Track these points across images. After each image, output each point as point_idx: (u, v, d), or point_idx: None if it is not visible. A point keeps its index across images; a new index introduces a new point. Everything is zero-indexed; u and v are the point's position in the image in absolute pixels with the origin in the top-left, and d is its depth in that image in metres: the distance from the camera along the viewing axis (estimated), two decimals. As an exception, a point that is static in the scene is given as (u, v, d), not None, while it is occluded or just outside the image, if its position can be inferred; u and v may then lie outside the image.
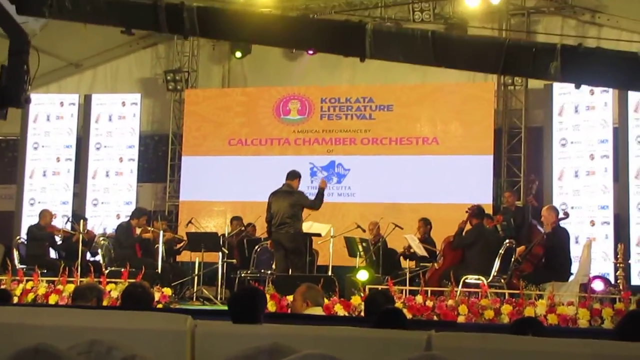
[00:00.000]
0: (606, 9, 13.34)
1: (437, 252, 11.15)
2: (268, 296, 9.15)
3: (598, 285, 9.28)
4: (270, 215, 10.89)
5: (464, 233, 10.53)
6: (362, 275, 10.19)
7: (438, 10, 14.08)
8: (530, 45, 5.73)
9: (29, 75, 5.95)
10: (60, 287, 10.18)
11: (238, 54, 14.96)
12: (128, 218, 12.55)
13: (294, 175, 11.10)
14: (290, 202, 10.78)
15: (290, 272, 10.54)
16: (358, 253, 11.48)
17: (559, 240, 10.17)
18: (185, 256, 13.13)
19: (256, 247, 12.01)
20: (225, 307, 10.48)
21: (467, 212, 10.58)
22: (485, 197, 12.97)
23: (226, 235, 12.43)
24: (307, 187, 13.16)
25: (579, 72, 5.50)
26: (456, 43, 5.77)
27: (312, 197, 11.11)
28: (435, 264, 10.75)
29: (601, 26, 13.57)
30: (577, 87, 6.17)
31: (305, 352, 2.94)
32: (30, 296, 10.17)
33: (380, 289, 9.36)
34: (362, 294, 9.04)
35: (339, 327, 4.32)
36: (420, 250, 11.16)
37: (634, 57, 5.37)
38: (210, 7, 6.50)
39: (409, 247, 11.44)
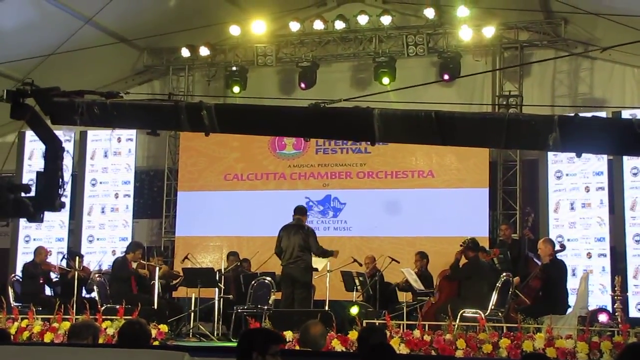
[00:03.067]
0: (599, 42, 13.41)
1: (434, 286, 11.12)
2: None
3: (603, 318, 9.26)
4: (280, 250, 11.09)
5: (460, 266, 10.52)
6: (353, 310, 10.26)
7: (432, 44, 14.14)
8: (528, 119, 5.89)
9: (64, 180, 6.27)
10: (55, 325, 10.12)
11: (236, 89, 14.94)
12: (123, 253, 12.51)
13: (302, 211, 11.50)
14: (301, 236, 11.13)
15: (294, 306, 10.64)
16: (355, 287, 11.46)
17: (556, 272, 10.17)
18: (181, 292, 13.08)
19: (252, 282, 11.95)
20: (222, 344, 10.46)
21: (461, 245, 10.58)
22: (481, 230, 12.97)
23: (222, 270, 12.39)
24: (304, 222, 13.14)
25: (578, 142, 5.66)
26: (459, 121, 5.93)
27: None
28: (432, 298, 10.72)
29: (594, 59, 13.66)
30: (579, 155, 6.32)
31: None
32: (26, 334, 10.11)
33: (377, 323, 9.34)
34: (360, 329, 9.00)
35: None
36: (417, 284, 11.14)
37: (629, 124, 5.51)
38: (227, 104, 6.84)
39: (406, 280, 11.42)
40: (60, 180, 6.27)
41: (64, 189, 6.24)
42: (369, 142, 6.22)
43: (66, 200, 14.92)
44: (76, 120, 6.60)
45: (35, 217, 6.35)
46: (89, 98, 6.64)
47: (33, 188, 6.29)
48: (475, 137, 6.11)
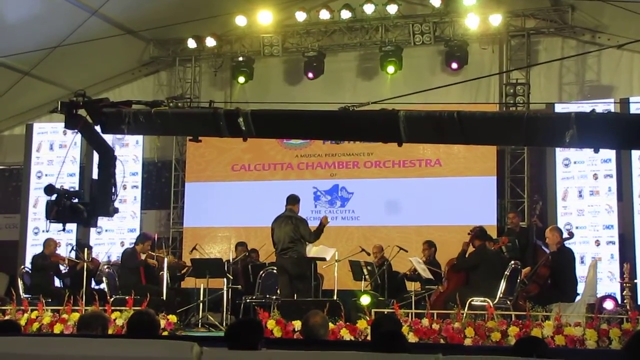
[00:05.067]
0: (606, 29, 13.37)
1: (442, 275, 11.12)
2: (274, 322, 9.15)
3: (609, 305, 9.25)
4: (274, 242, 11.01)
5: (467, 255, 10.51)
6: (364, 300, 10.19)
7: (438, 33, 14.11)
8: (546, 117, 6.02)
9: (116, 187, 6.72)
10: (65, 316, 10.15)
11: (241, 79, 15.00)
12: (132, 244, 12.55)
13: (294, 200, 11.20)
14: (291, 227, 10.88)
15: (295, 297, 10.53)
16: (363, 277, 11.45)
17: (564, 260, 10.16)
18: (190, 282, 13.10)
19: (261, 273, 11.97)
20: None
21: (469, 234, 10.58)
22: (489, 219, 12.95)
23: (231, 260, 12.40)
24: (311, 212, 13.18)
25: (594, 137, 5.77)
26: (480, 120, 6.07)
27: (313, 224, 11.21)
28: (440, 287, 10.72)
29: (601, 46, 13.59)
30: (596, 151, 6.41)
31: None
32: (35, 326, 10.15)
33: (386, 312, 9.35)
34: (368, 318, 9.01)
35: (343, 352, 4.32)
36: (425, 273, 11.13)
37: None
38: (262, 110, 7.13)
39: (414, 269, 11.42)
40: (113, 187, 6.67)
41: (117, 195, 6.52)
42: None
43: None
44: (123, 129, 6.89)
45: (90, 222, 6.65)
46: (135, 107, 6.91)
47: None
48: (495, 135, 6.26)
